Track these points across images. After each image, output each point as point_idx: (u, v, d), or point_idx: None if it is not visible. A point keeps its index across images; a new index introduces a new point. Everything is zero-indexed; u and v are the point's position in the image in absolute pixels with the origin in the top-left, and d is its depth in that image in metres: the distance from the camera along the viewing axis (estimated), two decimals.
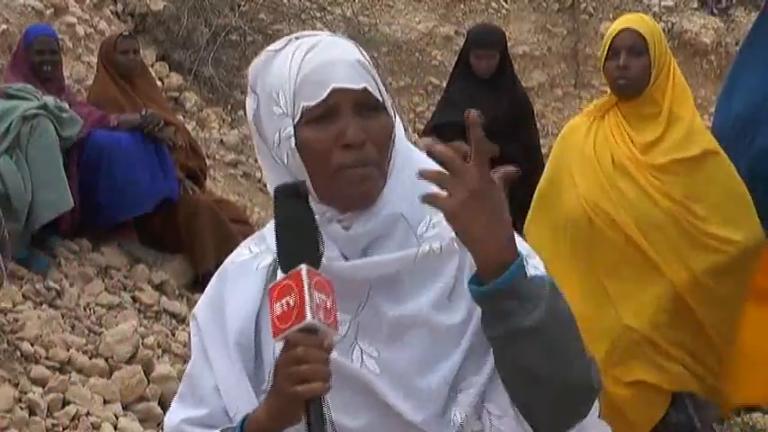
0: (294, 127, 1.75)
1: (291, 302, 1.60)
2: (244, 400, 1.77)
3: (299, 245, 1.64)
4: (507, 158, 6.00)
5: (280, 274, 1.70)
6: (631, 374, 3.95)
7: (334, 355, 1.67)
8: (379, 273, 1.75)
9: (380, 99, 1.77)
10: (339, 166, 1.73)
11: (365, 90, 1.74)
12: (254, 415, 1.71)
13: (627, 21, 4.10)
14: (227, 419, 1.79)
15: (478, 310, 1.72)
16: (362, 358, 1.75)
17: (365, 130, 1.73)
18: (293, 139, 1.75)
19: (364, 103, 1.75)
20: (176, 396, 1.89)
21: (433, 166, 1.73)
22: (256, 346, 1.80)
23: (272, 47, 1.81)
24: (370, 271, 1.75)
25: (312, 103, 1.73)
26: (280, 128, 1.76)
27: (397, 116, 1.83)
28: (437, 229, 1.77)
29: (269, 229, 1.84)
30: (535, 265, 1.78)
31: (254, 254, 1.86)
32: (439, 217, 1.73)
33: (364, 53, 1.80)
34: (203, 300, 1.88)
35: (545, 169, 4.31)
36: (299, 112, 1.74)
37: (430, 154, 1.72)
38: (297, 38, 1.81)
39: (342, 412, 1.72)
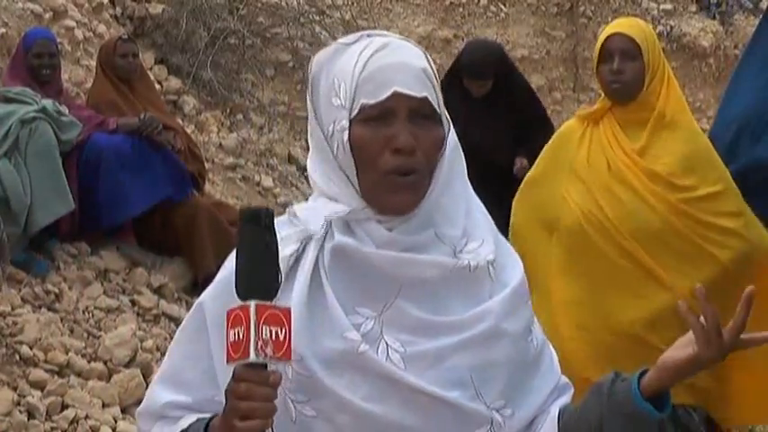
0: (350, 121, 1.77)
1: (240, 335, 1.63)
2: None
3: (256, 273, 1.65)
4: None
5: (304, 263, 1.76)
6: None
7: (363, 347, 1.72)
8: (414, 272, 1.77)
9: (438, 110, 1.78)
10: (387, 169, 1.75)
11: (425, 99, 1.76)
12: (214, 421, 1.73)
13: (620, 25, 4.08)
14: (214, 403, 1.78)
15: (505, 331, 1.79)
16: (388, 352, 1.76)
17: (417, 138, 1.76)
18: (347, 133, 1.77)
19: (421, 112, 1.77)
20: (158, 374, 1.90)
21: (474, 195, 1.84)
22: None
23: (343, 40, 1.84)
24: (405, 267, 1.77)
25: (371, 102, 1.75)
26: (335, 119, 1.78)
27: (452, 132, 1.84)
28: (474, 254, 1.80)
29: (300, 209, 1.85)
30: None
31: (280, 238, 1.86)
32: (476, 244, 1.80)
33: (431, 62, 1.82)
34: (214, 288, 1.88)
35: (539, 157, 4.30)
36: (357, 108, 1.76)
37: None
38: (369, 35, 1.83)
39: (367, 401, 1.74)
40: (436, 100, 1.78)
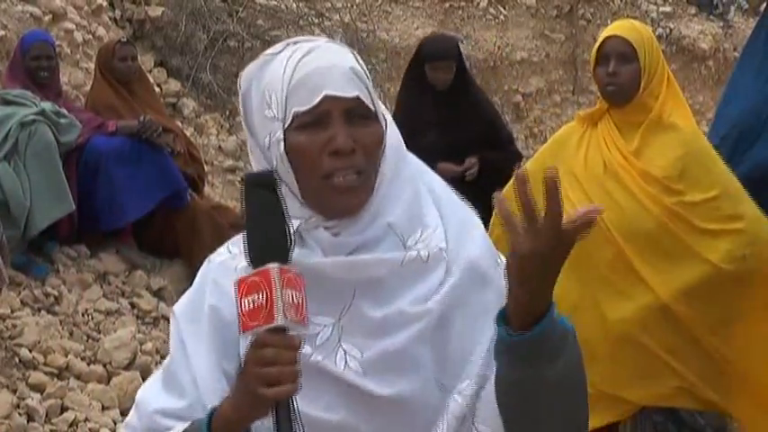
0: (284, 131, 1.75)
1: (261, 300, 1.58)
2: (218, 400, 1.76)
3: (268, 237, 1.63)
4: (488, 166, 6.00)
5: None
6: (614, 387, 3.89)
7: (317, 357, 1.71)
8: (365, 274, 1.76)
9: (372, 108, 1.77)
10: (327, 172, 1.74)
11: (357, 98, 1.75)
12: (220, 409, 1.69)
13: (617, 27, 4.08)
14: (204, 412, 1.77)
15: (460, 315, 1.76)
16: (346, 359, 1.75)
17: (355, 138, 1.74)
18: (282, 144, 1.76)
19: (355, 111, 1.75)
20: (152, 380, 1.88)
21: (436, 181, 1.81)
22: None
23: (269, 50, 1.82)
24: (355, 270, 1.75)
25: (303, 109, 1.74)
26: (270, 131, 1.77)
27: (391, 125, 1.83)
28: (426, 242, 1.78)
29: (239, 239, 1.83)
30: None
31: (233, 254, 1.86)
32: (429, 232, 1.77)
33: (360, 60, 1.80)
34: (184, 298, 1.89)
35: (535, 155, 4.30)
36: (290, 116, 1.75)
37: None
38: (295, 42, 1.81)
39: (327, 412, 1.73)
40: (369, 97, 1.76)
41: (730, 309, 3.92)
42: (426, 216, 1.81)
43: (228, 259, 1.86)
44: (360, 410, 1.75)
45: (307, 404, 1.68)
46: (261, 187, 1.66)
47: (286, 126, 1.75)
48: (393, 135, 1.82)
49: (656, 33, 12.19)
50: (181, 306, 1.88)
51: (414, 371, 1.75)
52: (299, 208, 1.76)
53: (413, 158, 1.86)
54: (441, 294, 1.77)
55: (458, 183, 1.94)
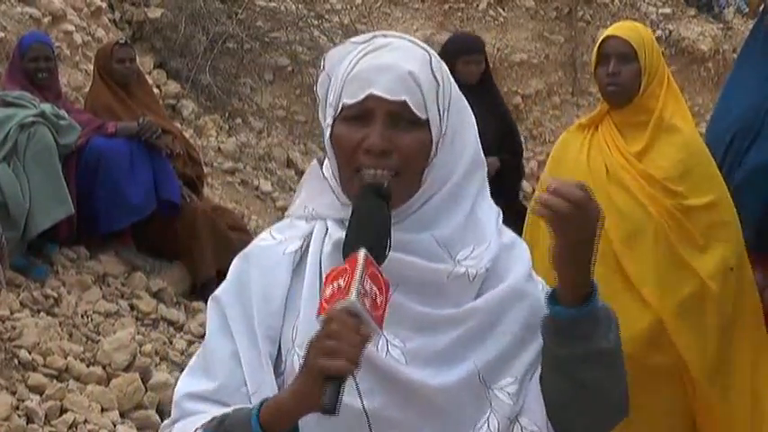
0: (334, 119, 1.80)
1: (342, 284, 1.61)
2: (267, 384, 1.77)
3: (367, 238, 1.66)
4: (502, 169, 6.07)
5: (309, 260, 1.78)
6: None
7: None
8: (411, 274, 1.78)
9: (422, 115, 1.77)
10: (358, 167, 1.77)
11: (404, 103, 1.76)
12: (276, 397, 1.69)
13: (617, 28, 4.08)
14: (239, 394, 1.78)
15: (499, 324, 1.80)
16: (388, 347, 1.77)
17: (393, 141, 1.76)
18: (329, 131, 1.81)
19: (401, 115, 1.77)
20: (186, 369, 1.88)
21: (486, 204, 1.87)
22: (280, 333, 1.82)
23: (356, 39, 1.87)
24: (403, 268, 1.77)
25: (350, 102, 1.78)
26: (327, 115, 1.83)
27: (466, 138, 1.85)
28: (476, 260, 1.82)
29: (295, 217, 1.88)
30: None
31: (278, 240, 1.88)
32: (481, 249, 1.81)
33: (435, 66, 1.81)
34: (226, 283, 1.88)
35: (540, 180, 4.30)
36: (340, 107, 1.79)
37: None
38: (384, 36, 1.85)
39: (368, 398, 1.74)
40: (422, 104, 1.77)
41: (720, 323, 3.88)
42: (482, 232, 1.85)
43: (274, 245, 1.88)
44: (397, 399, 1.76)
45: (350, 387, 1.71)
46: (375, 194, 1.72)
47: (336, 115, 1.80)
48: (459, 147, 1.84)
49: (656, 35, 12.19)
50: (222, 290, 1.88)
51: (456, 366, 1.78)
52: (339, 194, 1.81)
53: (485, 176, 1.90)
54: (482, 300, 1.81)
55: None
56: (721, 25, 12.66)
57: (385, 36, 1.85)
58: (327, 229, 1.84)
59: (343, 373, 1.58)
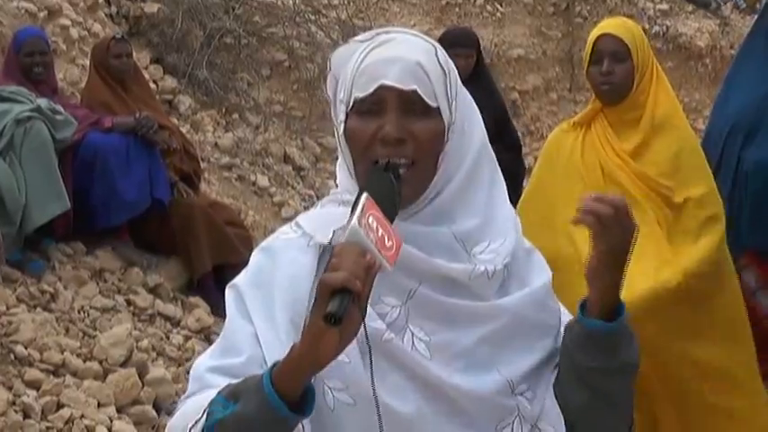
0: (346, 114, 1.82)
1: (346, 223, 1.63)
2: None
3: (375, 197, 1.68)
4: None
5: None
6: None
7: (388, 336, 1.74)
8: (432, 271, 1.80)
9: (433, 104, 1.80)
10: (375, 158, 1.79)
11: (415, 92, 1.79)
12: (285, 357, 1.66)
13: (609, 26, 4.07)
14: (261, 370, 1.75)
15: (520, 325, 1.84)
16: (413, 341, 1.78)
17: (407, 130, 1.79)
18: (343, 126, 1.83)
19: (412, 104, 1.79)
20: (203, 354, 1.86)
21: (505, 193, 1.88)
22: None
23: (359, 37, 1.89)
24: (424, 265, 1.79)
25: (361, 95, 1.80)
26: (339, 112, 1.85)
27: (474, 128, 1.87)
28: (493, 255, 1.83)
29: (303, 219, 1.90)
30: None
31: (300, 233, 1.87)
32: (497, 244, 1.83)
33: (441, 58, 1.85)
34: (245, 273, 1.88)
35: (532, 174, 4.27)
36: (352, 101, 1.81)
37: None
38: (386, 32, 1.88)
39: (392, 395, 1.74)
40: (432, 93, 1.80)
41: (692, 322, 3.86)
42: (498, 227, 1.86)
43: (298, 237, 1.87)
44: (426, 397, 1.77)
45: (378, 382, 1.71)
46: (384, 169, 1.75)
47: (348, 110, 1.82)
48: (479, 140, 1.87)
49: (653, 31, 12.19)
50: (240, 279, 1.87)
51: (484, 371, 1.80)
52: (356, 190, 1.80)
53: (502, 182, 1.92)
54: (507, 301, 1.84)
55: None
56: (719, 21, 12.66)
57: (388, 32, 1.87)
58: None
59: (345, 283, 1.57)
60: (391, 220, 1.68)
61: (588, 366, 1.80)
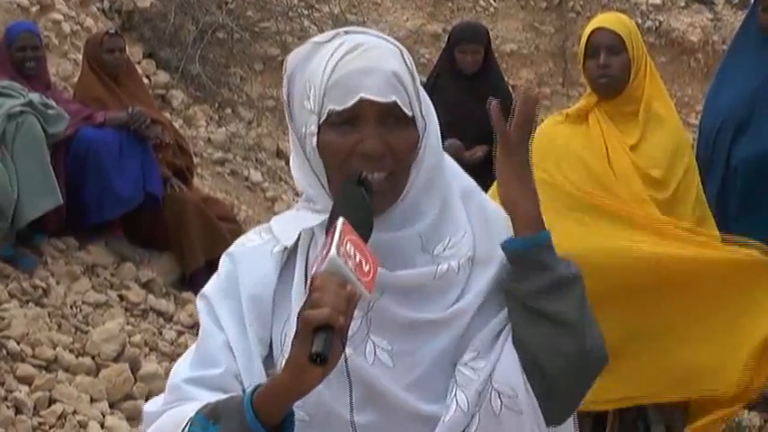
0: (319, 126, 1.76)
1: (324, 253, 1.60)
2: (256, 375, 1.75)
3: (350, 216, 1.65)
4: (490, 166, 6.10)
5: (297, 265, 1.78)
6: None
7: (348, 351, 1.69)
8: (397, 284, 1.77)
9: (410, 113, 1.77)
10: (351, 172, 1.74)
11: (394, 103, 1.74)
12: (270, 378, 1.67)
13: (603, 20, 4.08)
14: (237, 382, 1.76)
15: (484, 311, 1.79)
16: (375, 352, 1.76)
17: (387, 142, 1.75)
18: (315, 138, 1.77)
19: (390, 115, 1.75)
20: (181, 360, 1.86)
21: (466, 182, 1.86)
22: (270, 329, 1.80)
23: (317, 38, 1.82)
24: (389, 279, 1.75)
25: (338, 108, 1.74)
26: (306, 122, 1.78)
27: (432, 126, 1.83)
28: (454, 249, 1.80)
29: (275, 221, 1.88)
30: None
31: (265, 240, 1.86)
32: (457, 239, 1.80)
33: (408, 61, 1.80)
34: (213, 281, 1.87)
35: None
36: (326, 113, 1.75)
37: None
38: (345, 32, 1.81)
39: (354, 409, 1.73)
40: (408, 102, 1.76)
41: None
42: (455, 222, 1.82)
43: (262, 244, 1.86)
44: (385, 413, 1.75)
45: (337, 400, 1.72)
46: (357, 184, 1.72)
47: (320, 121, 1.76)
48: (433, 138, 1.83)
49: (646, 26, 12.20)
50: (211, 287, 1.86)
51: (446, 368, 1.77)
52: (327, 200, 1.78)
53: (448, 161, 1.87)
54: (465, 303, 1.79)
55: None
56: (711, 16, 12.67)
57: (348, 33, 1.81)
58: (314, 234, 1.82)
59: (329, 321, 1.55)
60: (366, 240, 1.66)
61: (524, 290, 1.75)
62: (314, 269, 1.62)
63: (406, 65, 1.79)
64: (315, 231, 1.81)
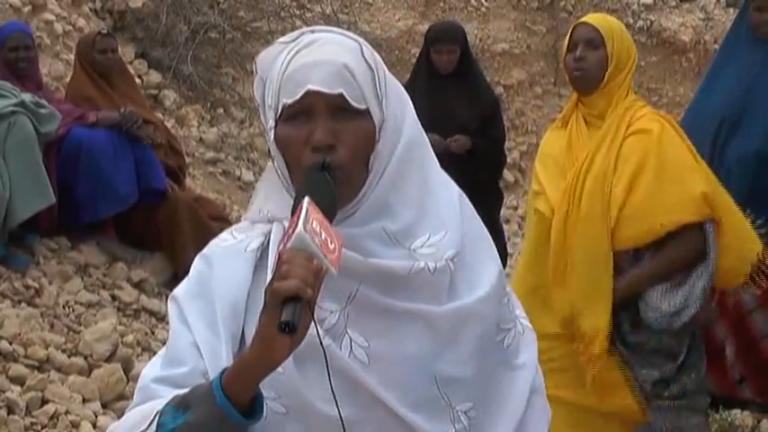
0: (276, 121, 1.80)
1: (290, 230, 1.61)
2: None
3: (314, 199, 1.67)
4: (475, 153, 6.11)
5: (270, 257, 1.77)
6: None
7: (326, 341, 1.70)
8: (370, 272, 1.77)
9: (361, 105, 1.77)
10: (306, 165, 1.76)
11: (341, 95, 1.75)
12: (235, 362, 1.67)
13: (588, 17, 4.08)
14: (205, 381, 1.75)
15: (464, 331, 1.80)
16: (351, 347, 1.76)
17: (337, 134, 1.76)
18: (273, 133, 1.81)
19: (341, 108, 1.76)
20: (150, 363, 1.86)
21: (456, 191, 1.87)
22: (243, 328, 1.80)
23: (284, 38, 1.85)
24: (363, 267, 1.76)
25: (289, 101, 1.77)
26: (268, 118, 1.82)
27: (406, 124, 1.83)
28: (434, 249, 1.80)
29: (251, 218, 1.89)
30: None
31: (239, 239, 1.87)
32: (438, 236, 1.79)
33: (368, 56, 1.81)
34: (184, 283, 1.88)
35: (533, 174, 4.27)
36: (280, 108, 1.78)
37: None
38: (312, 32, 1.84)
39: (328, 402, 1.72)
40: (361, 95, 1.77)
41: None
42: (437, 219, 1.82)
43: (235, 244, 1.87)
44: (362, 406, 1.75)
45: (312, 391, 1.72)
46: (320, 169, 1.73)
47: (277, 116, 1.79)
48: (410, 134, 1.83)
49: (637, 26, 12.22)
50: (181, 290, 1.87)
51: (418, 378, 1.77)
52: (289, 196, 1.79)
53: (435, 165, 1.88)
54: (451, 310, 1.79)
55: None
56: (702, 15, 12.69)
57: (313, 32, 1.84)
58: (284, 228, 1.80)
59: (297, 291, 1.56)
60: (331, 221, 1.67)
61: None
62: (280, 246, 1.63)
63: (365, 58, 1.80)
64: (285, 226, 1.80)
